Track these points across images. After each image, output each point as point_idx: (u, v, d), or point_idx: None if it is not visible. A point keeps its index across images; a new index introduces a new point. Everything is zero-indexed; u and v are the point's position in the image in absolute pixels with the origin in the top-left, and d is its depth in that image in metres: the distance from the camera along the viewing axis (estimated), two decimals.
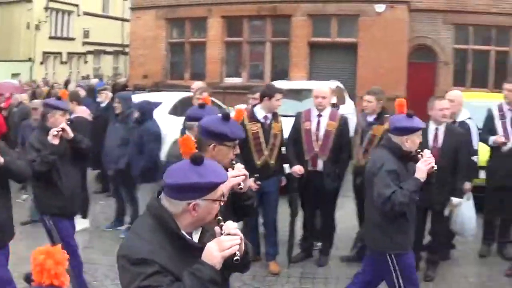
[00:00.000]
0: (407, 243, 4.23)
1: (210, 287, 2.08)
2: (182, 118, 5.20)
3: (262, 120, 5.78)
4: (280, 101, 5.79)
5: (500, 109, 6.22)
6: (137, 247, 2.13)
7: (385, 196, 3.96)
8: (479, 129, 6.25)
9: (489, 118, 6.27)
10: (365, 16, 16.54)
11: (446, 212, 5.38)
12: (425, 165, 4.00)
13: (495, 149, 6.22)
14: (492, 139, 6.12)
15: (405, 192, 3.94)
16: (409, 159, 4.14)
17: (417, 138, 4.11)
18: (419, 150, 4.11)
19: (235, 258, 2.14)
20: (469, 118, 6.08)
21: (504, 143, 6.03)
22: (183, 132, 4.86)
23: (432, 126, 5.56)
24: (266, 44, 17.91)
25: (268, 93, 5.78)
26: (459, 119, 6.03)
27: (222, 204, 2.23)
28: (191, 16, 18.30)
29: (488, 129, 6.21)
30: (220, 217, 2.24)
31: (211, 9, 17.85)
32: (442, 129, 5.51)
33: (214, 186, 2.16)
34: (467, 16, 17.56)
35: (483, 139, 6.20)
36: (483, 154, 6.29)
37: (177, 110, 9.89)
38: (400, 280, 4.16)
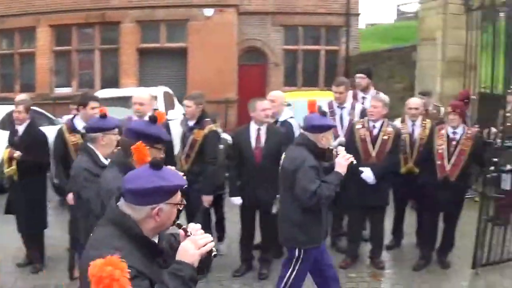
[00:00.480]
0: (321, 236, 4.47)
1: (191, 286, 2.15)
2: None
3: (83, 131, 5.42)
4: (96, 109, 5.45)
5: (330, 106, 6.50)
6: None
7: (311, 190, 4.14)
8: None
9: None
10: (194, 20, 16.56)
11: (274, 210, 5.44)
12: (344, 160, 4.28)
13: None
14: None
15: (329, 185, 4.18)
16: (324, 156, 4.36)
17: (330, 136, 4.41)
18: (331, 148, 4.46)
19: (213, 254, 2.26)
20: (291, 117, 6.24)
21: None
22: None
23: (254, 127, 5.61)
24: (95, 52, 17.24)
25: (82, 102, 5.48)
26: (281, 119, 6.17)
27: (180, 208, 2.28)
28: (20, 26, 17.09)
29: None
30: (179, 222, 2.33)
31: (39, 18, 16.80)
32: (264, 129, 5.58)
33: (176, 189, 2.21)
34: (296, 17, 18.34)
35: None
36: None
37: (5, 124, 9.27)
38: (293, 273, 4.43)
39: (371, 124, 5.83)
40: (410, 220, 6.87)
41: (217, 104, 14.59)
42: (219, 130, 6.59)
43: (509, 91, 6.48)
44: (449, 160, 5.75)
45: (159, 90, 11.89)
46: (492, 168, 5.70)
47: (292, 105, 9.17)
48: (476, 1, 8.38)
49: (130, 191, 2.17)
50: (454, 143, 5.78)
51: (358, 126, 5.93)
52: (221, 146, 6.36)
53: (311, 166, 4.22)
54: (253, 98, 5.82)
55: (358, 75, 7.01)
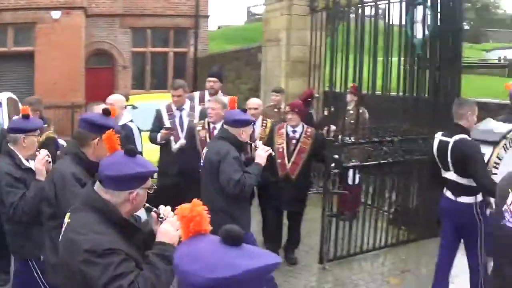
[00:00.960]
0: (249, 223, 4.80)
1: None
2: None
3: None
4: None
5: (169, 109, 6.33)
6: (97, 239, 2.19)
7: (235, 179, 4.41)
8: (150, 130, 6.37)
9: (158, 118, 6.37)
10: (42, 23, 15.73)
11: None
12: (264, 151, 4.65)
13: (164, 147, 6.31)
14: (159, 135, 6.19)
15: (251, 175, 4.49)
16: (244, 148, 4.80)
17: (249, 130, 4.69)
18: (250, 142, 4.83)
19: None
20: (131, 121, 5.92)
21: (171, 133, 6.14)
22: None
23: None
24: None
25: None
26: (121, 122, 5.79)
27: (150, 192, 2.44)
28: None
29: (157, 128, 6.28)
30: (148, 205, 2.49)
31: None
32: None
33: (151, 175, 2.42)
34: (145, 19, 17.95)
35: (153, 137, 6.29)
36: (150, 154, 6.18)
37: None
38: None
39: (211, 125, 5.76)
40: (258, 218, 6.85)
41: (65, 108, 14.29)
42: (55, 135, 6.12)
43: (348, 90, 6.71)
44: (289, 158, 5.84)
45: (3, 96, 11.00)
46: (333, 165, 5.83)
47: (139, 108, 8.91)
48: (321, 3, 8.58)
49: (110, 177, 2.32)
50: (294, 141, 5.89)
51: (198, 127, 5.86)
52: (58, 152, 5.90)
53: (234, 157, 4.50)
54: (90, 102, 5.61)
55: (210, 78, 6.82)
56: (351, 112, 7.19)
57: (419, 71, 6.57)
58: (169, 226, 2.37)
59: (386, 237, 6.55)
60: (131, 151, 2.38)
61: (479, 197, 4.47)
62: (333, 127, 6.91)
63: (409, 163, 6.39)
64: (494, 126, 4.73)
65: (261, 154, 4.65)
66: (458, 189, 4.52)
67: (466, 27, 42.41)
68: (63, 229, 2.38)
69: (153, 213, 2.52)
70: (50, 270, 3.23)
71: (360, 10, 6.53)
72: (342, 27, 6.89)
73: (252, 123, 4.85)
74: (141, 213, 2.71)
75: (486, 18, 45.84)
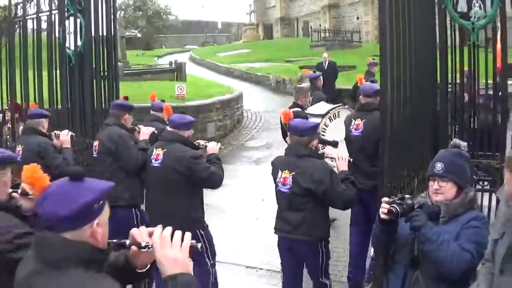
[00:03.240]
0: None
1: None
2: None
3: None
4: None
5: None
6: None
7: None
8: None
9: None
10: None
11: None
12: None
13: None
14: None
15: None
16: (198, 148, 4.97)
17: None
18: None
19: (199, 246, 1.95)
20: None
21: None
22: None
23: None
24: None
25: None
26: None
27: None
28: None
29: None
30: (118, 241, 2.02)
31: None
32: None
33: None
34: None
35: None
36: None
37: None
38: None
39: None
40: None
41: None
42: None
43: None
44: None
45: None
46: None
47: None
48: None
49: (68, 217, 1.81)
50: None
51: None
52: None
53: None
54: None
55: None
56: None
57: (73, 81, 6.57)
58: (170, 252, 1.84)
59: None
60: (78, 175, 1.91)
61: None
62: None
63: None
64: (324, 105, 7.55)
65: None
66: None
67: (138, 35, 44.31)
68: None
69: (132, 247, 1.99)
70: None
71: (22, 23, 6.25)
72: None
73: None
74: None
75: (158, 24, 48.40)
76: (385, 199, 3.10)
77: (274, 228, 4.62)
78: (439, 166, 3.10)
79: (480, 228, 2.91)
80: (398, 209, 2.98)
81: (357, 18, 35.34)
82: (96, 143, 5.50)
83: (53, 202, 1.84)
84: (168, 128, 4.89)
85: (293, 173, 4.33)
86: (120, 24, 29.96)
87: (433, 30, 5.03)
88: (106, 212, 1.96)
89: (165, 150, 4.75)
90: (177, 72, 20.06)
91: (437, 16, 5.07)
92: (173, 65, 21.62)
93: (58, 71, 6.70)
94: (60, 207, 1.82)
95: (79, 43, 6.55)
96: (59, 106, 6.47)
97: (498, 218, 2.57)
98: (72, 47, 6.58)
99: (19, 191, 2.90)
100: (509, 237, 2.34)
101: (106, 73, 6.70)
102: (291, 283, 4.68)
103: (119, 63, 8.52)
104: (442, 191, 3.09)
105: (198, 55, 35.90)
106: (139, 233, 1.99)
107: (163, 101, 7.22)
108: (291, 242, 4.48)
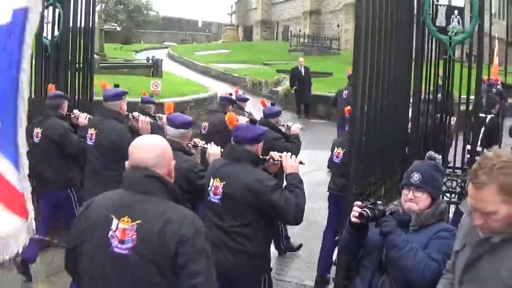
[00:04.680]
0: None
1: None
2: None
3: None
4: None
5: None
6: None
7: None
8: None
9: None
10: None
11: None
12: None
13: None
14: None
15: None
16: None
17: None
18: None
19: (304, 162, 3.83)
20: None
21: None
22: None
23: None
24: None
25: None
26: None
27: None
28: None
29: None
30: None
31: None
32: None
33: None
34: None
35: None
36: None
37: None
38: None
39: None
40: None
41: None
42: None
43: None
44: None
45: None
46: None
47: None
48: None
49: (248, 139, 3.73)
50: None
51: None
52: None
53: None
54: None
55: None
56: None
57: (49, 72, 6.49)
58: (290, 161, 3.70)
59: None
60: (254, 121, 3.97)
61: None
62: None
63: None
64: None
65: None
66: None
67: (118, 28, 43.92)
68: None
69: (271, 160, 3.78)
70: None
71: None
72: None
73: None
74: None
75: (139, 19, 48.04)
76: (358, 203, 3.14)
77: None
78: (416, 176, 3.16)
79: (449, 239, 2.95)
80: (369, 213, 3.02)
81: (338, 25, 35.63)
82: (92, 131, 5.27)
83: (242, 130, 3.74)
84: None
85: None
86: (100, 17, 29.56)
87: (410, 43, 5.11)
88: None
89: None
90: (153, 68, 19.97)
91: (415, 29, 5.16)
92: (150, 61, 21.50)
93: (33, 61, 6.59)
94: (246, 133, 3.69)
95: (56, 33, 6.47)
96: (33, 96, 6.36)
97: (460, 230, 2.63)
98: (50, 37, 6.49)
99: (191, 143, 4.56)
100: (469, 249, 2.40)
101: (81, 65, 6.64)
102: None
103: (96, 56, 8.45)
104: (416, 201, 3.14)
105: (176, 52, 35.77)
106: (274, 154, 3.78)
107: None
108: None
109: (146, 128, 5.10)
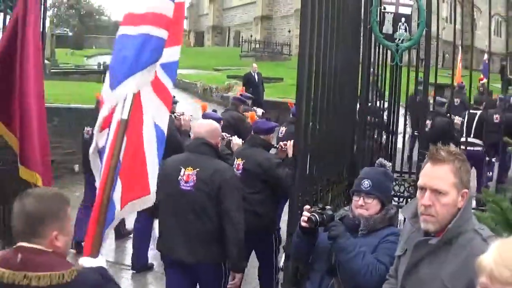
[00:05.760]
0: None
1: None
2: None
3: None
4: None
5: None
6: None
7: None
8: None
9: None
10: None
11: None
12: None
13: None
14: None
15: None
16: None
17: None
18: None
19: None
20: None
21: None
22: None
23: None
24: None
25: None
26: None
27: None
28: None
29: None
30: None
31: None
32: None
33: None
34: None
35: None
36: None
37: None
38: None
39: None
40: None
41: None
42: None
43: None
44: None
45: None
46: None
47: None
48: None
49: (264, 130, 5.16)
50: None
51: None
52: None
53: None
54: None
55: None
56: None
57: None
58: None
59: None
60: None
61: None
62: None
63: None
64: None
65: None
66: None
67: (69, 33, 43.07)
68: None
69: None
70: None
71: None
72: None
73: None
74: None
75: (91, 24, 47.29)
76: (307, 207, 3.17)
77: None
78: (366, 183, 3.22)
79: (397, 243, 3.02)
80: (318, 218, 3.06)
81: (289, 31, 35.98)
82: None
83: (259, 123, 5.15)
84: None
85: None
86: (51, 22, 28.95)
87: (358, 49, 5.18)
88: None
89: None
90: (105, 74, 19.60)
91: (361, 36, 5.23)
92: (101, 67, 21.15)
93: None
94: (262, 125, 5.10)
95: None
96: None
97: (401, 235, 2.69)
98: None
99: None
100: (410, 254, 2.45)
101: None
102: None
103: (47, 61, 8.22)
104: (367, 207, 3.20)
105: None
106: (282, 143, 4.89)
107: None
108: None
109: (187, 124, 6.56)
